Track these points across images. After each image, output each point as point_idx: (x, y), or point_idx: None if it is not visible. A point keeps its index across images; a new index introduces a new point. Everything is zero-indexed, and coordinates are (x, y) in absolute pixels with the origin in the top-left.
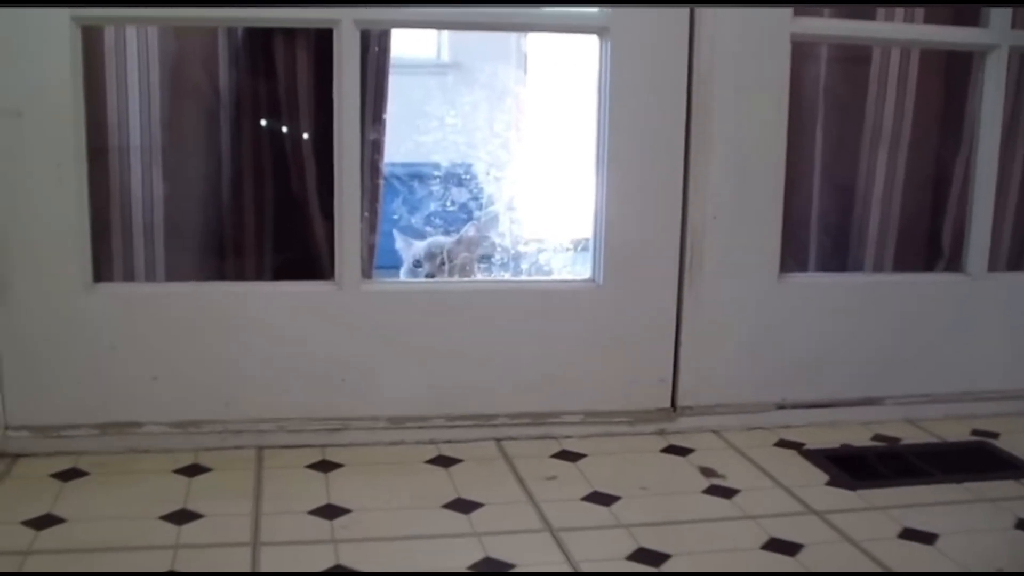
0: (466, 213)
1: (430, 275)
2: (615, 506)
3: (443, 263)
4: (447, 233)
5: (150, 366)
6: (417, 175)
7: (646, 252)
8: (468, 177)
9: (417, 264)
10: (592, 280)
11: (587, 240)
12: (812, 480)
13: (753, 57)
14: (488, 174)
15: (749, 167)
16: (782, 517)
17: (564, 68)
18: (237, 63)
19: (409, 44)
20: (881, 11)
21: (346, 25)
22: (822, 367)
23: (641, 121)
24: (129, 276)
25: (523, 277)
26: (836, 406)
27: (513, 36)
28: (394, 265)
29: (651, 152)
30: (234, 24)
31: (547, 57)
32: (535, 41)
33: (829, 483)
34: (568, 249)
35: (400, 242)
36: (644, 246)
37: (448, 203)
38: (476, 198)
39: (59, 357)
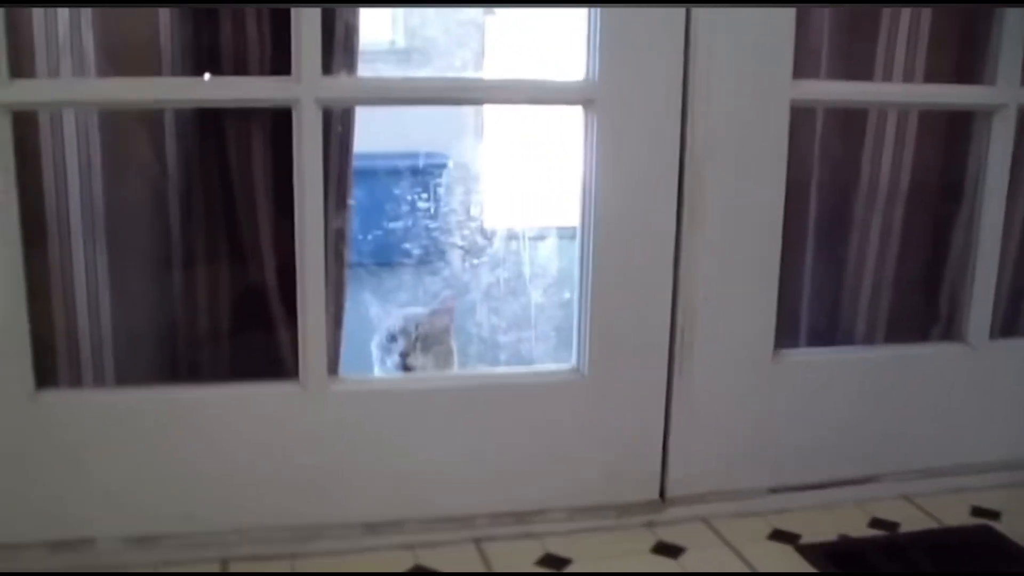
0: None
1: (404, 353)
2: None
3: (418, 340)
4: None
5: (103, 478)
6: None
7: (634, 338)
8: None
9: (391, 339)
10: (577, 369)
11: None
12: None
13: (750, 126)
14: (464, 261)
15: (744, 243)
16: None
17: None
18: (186, 144)
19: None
20: (879, 70)
21: (306, 104)
22: (816, 447)
23: (629, 198)
24: (76, 381)
25: (504, 370)
26: (831, 487)
27: (475, 22)
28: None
29: (640, 230)
30: (183, 106)
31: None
32: (495, 26)
33: None
34: (551, 336)
35: (376, 309)
36: (632, 332)
37: (421, 290)
38: (450, 286)
39: (2, 471)
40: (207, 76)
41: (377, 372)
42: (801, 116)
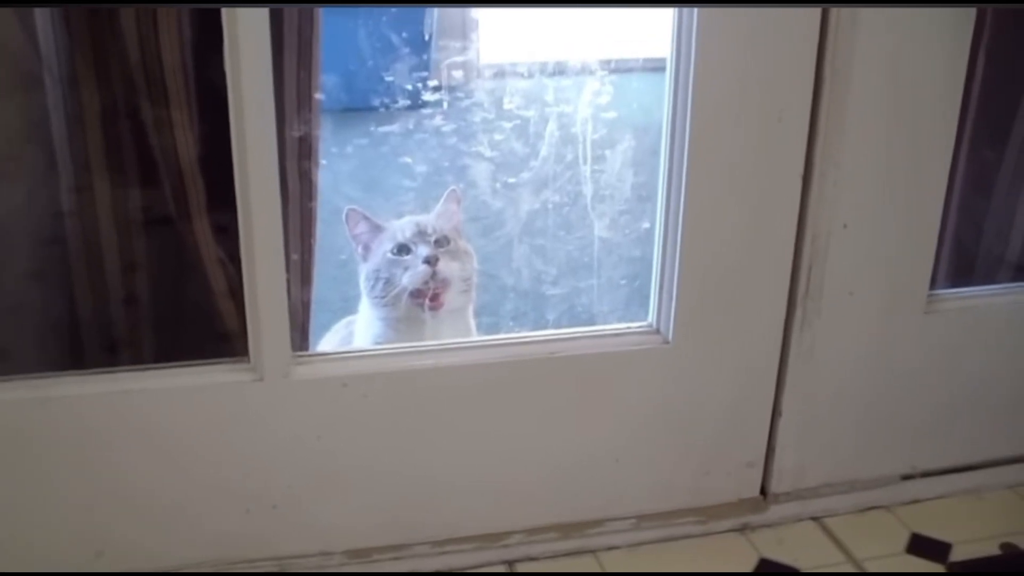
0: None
1: (431, 259)
2: None
3: (438, 243)
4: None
5: None
6: None
7: (738, 283)
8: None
9: (402, 251)
10: (655, 331)
11: None
12: None
13: None
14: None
15: (907, 138)
16: None
17: None
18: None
19: None
20: None
21: None
22: (966, 418)
23: (742, 90)
24: None
25: (551, 332)
26: (977, 468)
27: None
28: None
29: (754, 126)
30: None
31: None
32: None
33: None
34: (622, 283)
35: (361, 226)
36: (735, 275)
37: None
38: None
39: None
40: None
41: (368, 315)
42: None
